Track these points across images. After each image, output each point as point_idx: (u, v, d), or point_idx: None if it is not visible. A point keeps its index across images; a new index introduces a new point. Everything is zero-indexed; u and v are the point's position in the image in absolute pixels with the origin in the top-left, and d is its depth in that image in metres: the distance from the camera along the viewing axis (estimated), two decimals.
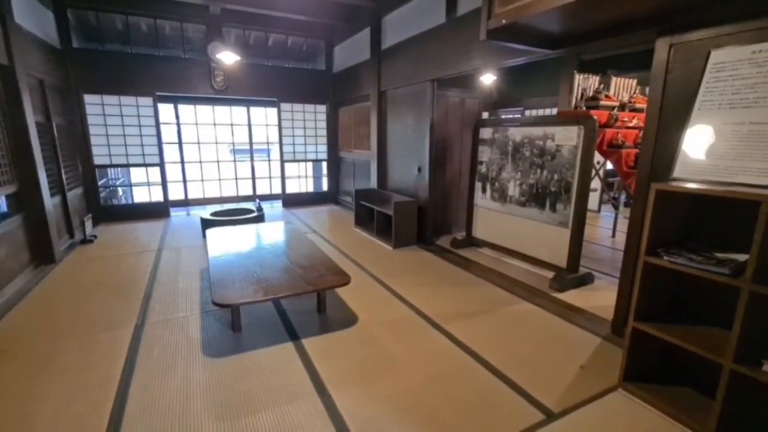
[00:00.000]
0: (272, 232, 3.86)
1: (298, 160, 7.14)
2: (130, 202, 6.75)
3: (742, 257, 1.66)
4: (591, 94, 4.09)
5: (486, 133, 4.15)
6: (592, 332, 2.63)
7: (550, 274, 3.51)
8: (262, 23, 6.21)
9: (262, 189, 7.70)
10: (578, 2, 1.95)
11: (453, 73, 3.89)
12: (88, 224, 4.99)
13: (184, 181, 6.86)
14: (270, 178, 7.64)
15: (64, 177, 4.56)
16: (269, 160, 7.63)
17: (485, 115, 7.83)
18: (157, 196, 6.21)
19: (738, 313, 1.55)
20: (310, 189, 7.73)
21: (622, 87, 4.36)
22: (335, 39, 6.67)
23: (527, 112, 7.53)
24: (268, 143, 7.79)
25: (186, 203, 6.94)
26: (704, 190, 1.67)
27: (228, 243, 3.44)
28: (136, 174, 6.76)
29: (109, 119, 5.59)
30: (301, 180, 7.63)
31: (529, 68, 5.78)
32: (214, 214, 5.13)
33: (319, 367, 2.21)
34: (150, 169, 6.15)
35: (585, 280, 3.42)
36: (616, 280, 2.81)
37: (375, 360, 2.30)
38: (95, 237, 4.86)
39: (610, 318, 2.65)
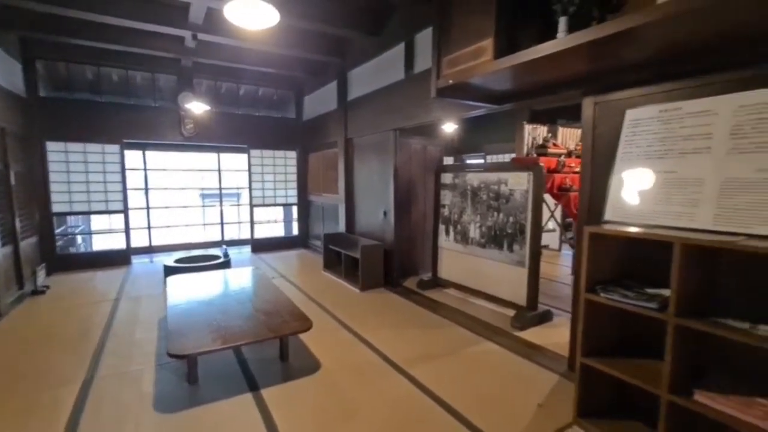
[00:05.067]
0: (237, 278, 3.82)
1: (267, 205, 7.17)
2: (89, 250, 6.50)
3: (669, 292, 1.82)
4: (540, 142, 4.45)
5: (447, 178, 4.38)
6: (551, 369, 2.70)
7: (512, 313, 3.61)
8: (233, 75, 6.47)
9: (231, 234, 7.62)
10: (510, 68, 2.21)
11: (414, 123, 4.16)
12: (41, 274, 4.75)
13: (149, 227, 6.71)
14: (239, 223, 7.60)
15: (18, 226, 4.39)
16: (239, 205, 7.62)
17: (450, 160, 8.26)
18: (118, 243, 6.03)
19: (667, 345, 1.67)
20: (281, 233, 7.71)
21: (569, 136, 4.77)
22: (305, 90, 6.99)
23: (489, 158, 7.99)
24: (237, 188, 7.82)
25: (150, 250, 6.74)
26: (625, 232, 1.86)
27: (190, 290, 3.37)
28: (98, 221, 6.56)
29: (73, 166, 5.51)
30: (272, 225, 7.62)
31: (489, 117, 6.23)
32: (178, 260, 5.01)
33: (277, 418, 2.15)
34: (113, 216, 6.01)
35: (544, 318, 3.53)
36: None
37: (336, 408, 2.26)
38: (47, 287, 4.61)
39: (567, 354, 2.74)
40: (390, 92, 4.47)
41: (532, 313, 3.45)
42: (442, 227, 4.49)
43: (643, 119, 2.08)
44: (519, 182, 3.55)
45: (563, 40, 1.91)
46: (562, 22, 2.04)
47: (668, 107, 1.98)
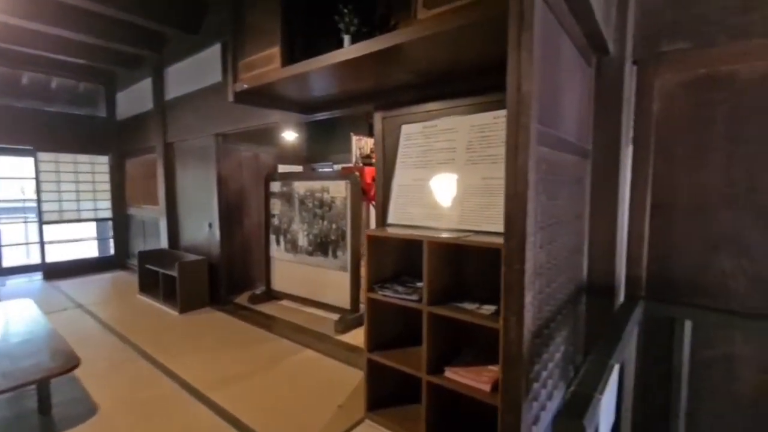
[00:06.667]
0: None
1: (68, 221, 5.87)
2: None
3: None
4: (367, 152, 4.73)
5: (275, 186, 4.28)
6: (360, 368, 2.82)
7: (338, 317, 3.69)
8: (8, 58, 5.13)
9: (18, 259, 5.99)
10: (300, 77, 2.25)
11: (235, 128, 3.94)
12: None
13: None
14: (28, 244, 6.04)
15: None
16: (26, 221, 6.07)
17: (300, 168, 8.19)
18: None
19: (423, 330, 1.89)
20: (93, 254, 6.40)
21: None
22: (118, 84, 6.01)
23: (335, 167, 8.22)
24: (24, 200, 6.23)
25: None
26: (387, 233, 2.07)
27: None
28: None
29: None
30: (79, 244, 6.28)
31: (332, 127, 6.38)
32: None
33: None
34: None
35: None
36: None
37: None
38: None
39: None
40: (210, 94, 4.14)
41: (354, 315, 3.58)
42: (273, 237, 4.35)
43: (412, 134, 2.35)
44: (339, 190, 3.68)
45: (332, 54, 2.02)
46: (346, 40, 2.17)
47: (428, 124, 2.28)
